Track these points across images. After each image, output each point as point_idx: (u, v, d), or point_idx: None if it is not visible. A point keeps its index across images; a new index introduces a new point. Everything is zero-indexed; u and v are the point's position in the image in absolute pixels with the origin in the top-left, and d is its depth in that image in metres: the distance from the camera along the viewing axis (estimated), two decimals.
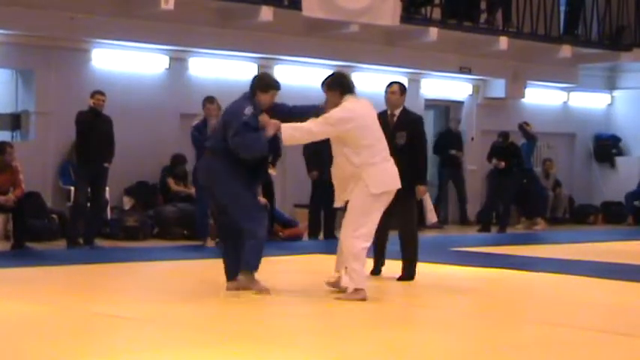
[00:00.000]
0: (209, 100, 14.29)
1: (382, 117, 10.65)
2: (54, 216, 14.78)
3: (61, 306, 8.89)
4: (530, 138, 19.31)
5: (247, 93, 9.73)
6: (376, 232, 9.91)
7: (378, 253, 11.15)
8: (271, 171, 14.06)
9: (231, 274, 9.70)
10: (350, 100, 9.64)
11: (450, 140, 19.67)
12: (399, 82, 11.31)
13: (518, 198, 18.94)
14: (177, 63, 16.62)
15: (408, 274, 11.09)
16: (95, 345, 7.16)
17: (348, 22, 16.85)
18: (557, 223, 20.47)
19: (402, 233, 11.16)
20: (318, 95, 17.07)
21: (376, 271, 11.24)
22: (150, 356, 6.86)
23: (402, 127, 10.96)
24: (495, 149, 18.35)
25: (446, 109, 20.75)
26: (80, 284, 10.57)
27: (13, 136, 15.25)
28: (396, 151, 10.12)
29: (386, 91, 11.19)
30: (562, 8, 20.60)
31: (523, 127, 19.21)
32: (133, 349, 7.07)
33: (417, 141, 11.02)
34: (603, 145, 22.64)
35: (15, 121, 15.43)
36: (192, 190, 15.47)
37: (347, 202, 9.78)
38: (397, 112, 11.06)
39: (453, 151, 19.47)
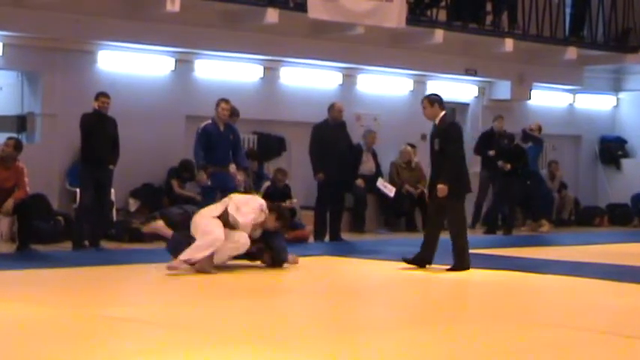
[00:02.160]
0: (225, 100, 14.31)
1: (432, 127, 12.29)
2: (59, 218, 14.78)
3: (67, 308, 8.89)
4: (537, 141, 19.21)
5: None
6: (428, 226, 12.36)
7: (426, 246, 12.08)
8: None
9: None
10: None
11: (491, 141, 18.58)
12: (427, 96, 12.37)
13: (523, 200, 18.88)
14: (183, 65, 16.62)
15: (457, 266, 11.93)
16: (101, 347, 7.15)
17: (353, 24, 16.84)
18: (562, 225, 20.43)
19: (449, 229, 12.23)
20: (323, 96, 17.21)
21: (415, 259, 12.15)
22: (157, 359, 6.85)
23: (437, 134, 12.05)
24: (501, 151, 18.28)
25: (452, 111, 20.70)
26: (86, 286, 10.56)
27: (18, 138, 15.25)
28: (435, 157, 12.03)
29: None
30: (568, 10, 20.56)
31: (526, 132, 19.10)
32: (140, 351, 7.07)
33: (446, 145, 11.91)
34: (609, 147, 22.60)
35: (21, 123, 15.45)
36: (195, 193, 15.45)
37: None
38: (436, 121, 12.06)
39: (491, 152, 18.43)
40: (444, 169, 11.86)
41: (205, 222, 11.37)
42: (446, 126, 12.04)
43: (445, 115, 12.10)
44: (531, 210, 19.60)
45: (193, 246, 11.19)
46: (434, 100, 12.12)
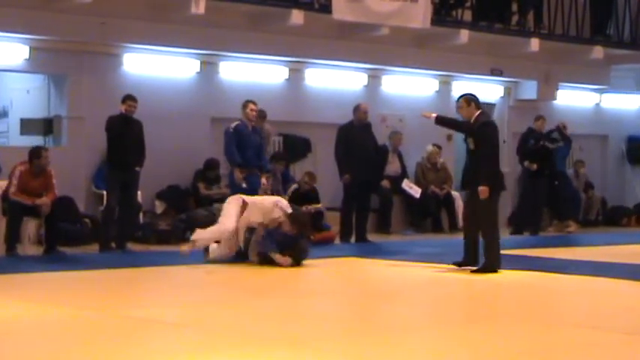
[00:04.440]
0: (252, 101, 14.41)
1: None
2: (86, 220, 14.84)
3: (94, 310, 8.92)
4: (568, 140, 19.13)
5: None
6: (463, 229, 12.47)
7: (466, 247, 12.11)
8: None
9: None
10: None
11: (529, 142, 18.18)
12: (464, 95, 12.36)
13: (550, 200, 18.76)
14: (208, 67, 16.65)
15: (485, 266, 11.90)
16: (127, 349, 7.17)
17: (378, 25, 16.83)
18: (589, 225, 20.33)
19: (481, 228, 12.10)
20: (348, 97, 17.20)
21: (463, 262, 12.13)
22: None
23: (471, 133, 12.06)
24: (528, 151, 18.18)
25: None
26: (113, 288, 10.60)
27: (45, 141, 15.33)
28: (470, 155, 12.11)
29: (456, 107, 12.47)
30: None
31: (561, 130, 19.03)
32: (166, 352, 7.08)
33: (478, 145, 11.98)
34: (636, 147, 22.44)
35: (47, 126, 15.52)
36: (224, 192, 15.45)
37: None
38: (472, 120, 12.07)
39: (534, 166, 17.82)
40: (481, 169, 11.90)
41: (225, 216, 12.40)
42: (480, 125, 12.03)
43: (480, 114, 12.12)
44: (558, 210, 19.50)
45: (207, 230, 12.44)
46: (470, 100, 12.18)
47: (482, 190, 11.83)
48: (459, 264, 12.07)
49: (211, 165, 16.08)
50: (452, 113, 19.38)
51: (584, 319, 8.91)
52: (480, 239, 12.02)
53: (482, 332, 8.13)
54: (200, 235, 12.35)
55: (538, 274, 11.99)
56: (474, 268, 11.93)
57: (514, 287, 11.16)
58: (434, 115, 12.42)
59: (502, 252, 14.54)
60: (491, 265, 11.88)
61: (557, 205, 19.29)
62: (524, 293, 10.73)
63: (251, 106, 14.42)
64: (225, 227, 12.26)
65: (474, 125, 12.02)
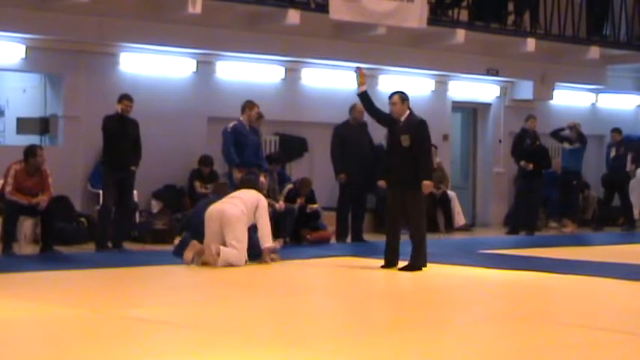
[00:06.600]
0: (254, 103, 14.56)
1: (394, 123, 12.21)
2: (82, 219, 14.83)
3: (90, 309, 8.91)
4: (584, 141, 19.23)
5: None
6: (390, 229, 12.17)
7: (392, 249, 12.11)
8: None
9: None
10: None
11: (524, 142, 18.25)
12: (398, 92, 12.33)
13: (561, 200, 18.97)
14: (205, 66, 16.65)
15: (411, 265, 11.92)
16: (124, 348, 7.16)
17: (375, 25, 16.83)
18: (586, 225, 20.34)
19: (410, 226, 12.18)
20: (345, 97, 17.20)
21: (387, 265, 12.11)
22: None
23: (405, 130, 12.06)
24: (524, 151, 18.20)
25: (473, 111, 20.69)
26: (109, 287, 10.60)
27: (41, 140, 15.33)
28: (401, 153, 11.97)
29: (389, 103, 12.29)
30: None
31: (579, 131, 19.09)
32: (163, 352, 7.07)
33: (419, 142, 12.03)
34: (632, 147, 22.42)
35: (43, 126, 15.51)
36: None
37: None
38: (403, 118, 12.13)
39: (530, 166, 17.92)
40: (422, 166, 11.96)
41: (243, 231, 12.05)
42: (417, 124, 12.11)
43: (411, 113, 12.18)
44: (555, 210, 19.53)
45: (232, 251, 11.91)
46: (405, 98, 12.20)
47: (427, 185, 11.97)
48: (387, 266, 12.08)
49: (205, 161, 16.04)
50: (447, 114, 19.58)
51: (583, 319, 8.91)
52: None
53: (480, 332, 8.13)
54: (227, 257, 11.87)
55: (533, 274, 11.99)
56: (401, 266, 12.01)
57: (511, 287, 11.15)
58: (364, 88, 12.34)
59: (497, 252, 14.64)
60: (420, 263, 11.97)
61: (569, 205, 19.41)
62: (520, 293, 10.72)
63: (255, 108, 14.63)
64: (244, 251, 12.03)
65: (408, 123, 12.05)
